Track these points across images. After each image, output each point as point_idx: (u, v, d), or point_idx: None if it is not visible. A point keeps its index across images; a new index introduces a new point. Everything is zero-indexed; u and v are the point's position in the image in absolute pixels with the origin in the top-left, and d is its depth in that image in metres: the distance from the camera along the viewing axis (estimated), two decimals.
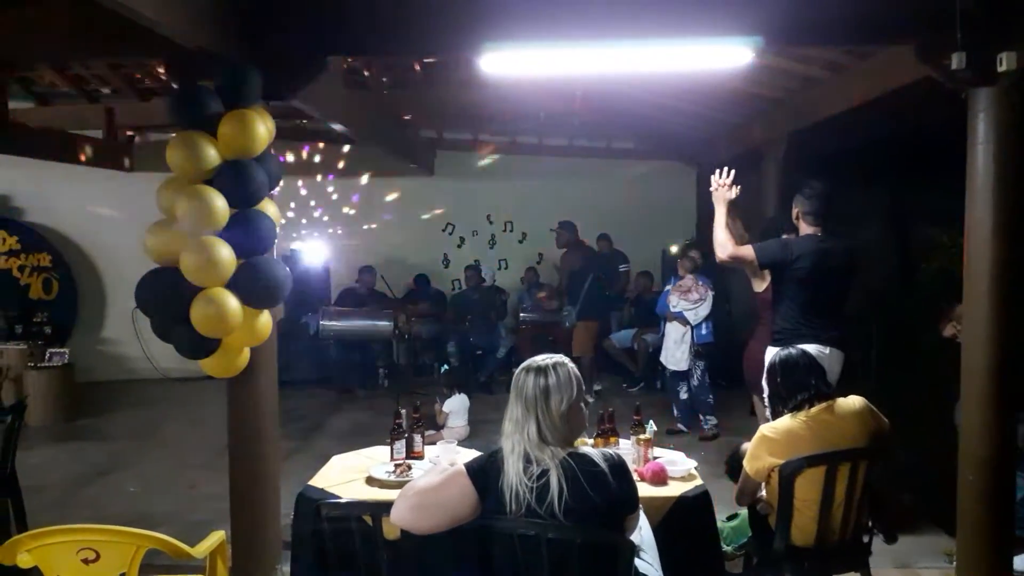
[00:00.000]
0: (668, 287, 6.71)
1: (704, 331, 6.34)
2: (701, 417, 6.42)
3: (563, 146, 9.76)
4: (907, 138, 6.52)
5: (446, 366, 6.38)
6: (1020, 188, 3.45)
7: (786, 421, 2.84)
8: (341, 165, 9.26)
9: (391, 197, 9.70)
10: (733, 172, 4.15)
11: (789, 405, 2.88)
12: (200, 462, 5.79)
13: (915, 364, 6.50)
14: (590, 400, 2.81)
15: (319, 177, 9.38)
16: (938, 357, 4.80)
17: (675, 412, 6.59)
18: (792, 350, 3.06)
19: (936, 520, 4.33)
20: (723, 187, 4.12)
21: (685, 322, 6.34)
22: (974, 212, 3.52)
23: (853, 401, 2.94)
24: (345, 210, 9.63)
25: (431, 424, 6.01)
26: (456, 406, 6.29)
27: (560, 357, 2.25)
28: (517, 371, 2.24)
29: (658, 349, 8.15)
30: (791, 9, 3.39)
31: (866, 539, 2.95)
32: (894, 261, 8.18)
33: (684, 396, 6.50)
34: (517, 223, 10.01)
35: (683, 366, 6.38)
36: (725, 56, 3.63)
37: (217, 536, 2.66)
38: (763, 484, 2.93)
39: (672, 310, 6.41)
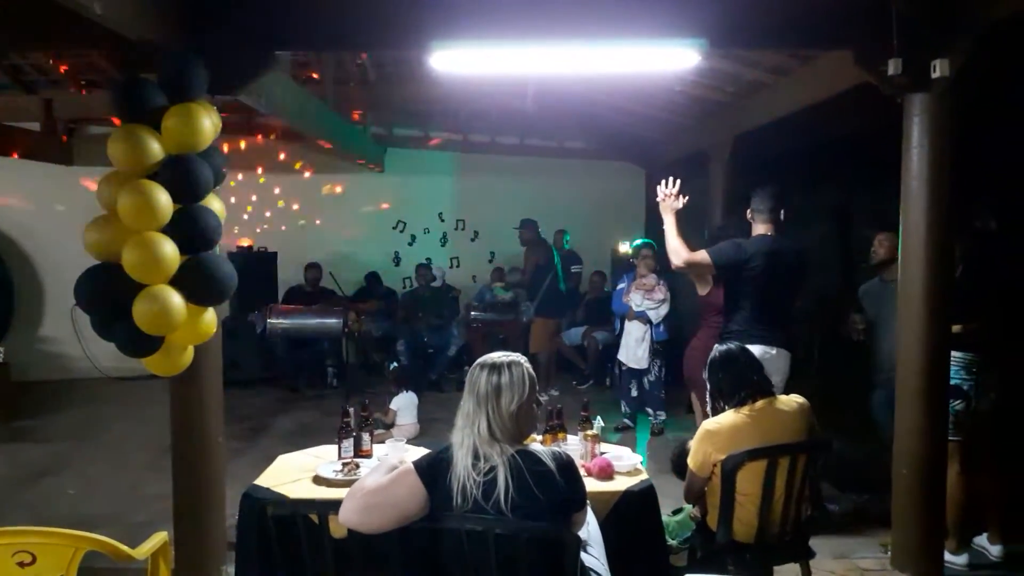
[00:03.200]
0: (621, 285, 6.77)
1: (662, 329, 6.47)
2: (651, 412, 6.52)
3: (515, 144, 9.78)
4: (850, 142, 6.71)
5: (395, 364, 6.34)
6: (952, 190, 3.58)
7: (729, 416, 2.90)
8: (288, 161, 9.14)
9: (340, 194, 9.62)
10: (679, 182, 4.20)
11: (732, 401, 2.95)
12: (143, 462, 5.66)
13: (856, 363, 6.71)
14: (544, 399, 2.82)
15: (266, 173, 9.25)
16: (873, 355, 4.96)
17: (624, 408, 6.68)
18: (732, 346, 3.13)
19: (872, 513, 4.47)
20: (670, 197, 4.17)
21: (646, 321, 6.44)
22: (909, 213, 3.65)
23: (793, 398, 3.03)
24: (293, 207, 9.52)
25: (380, 423, 5.98)
26: (404, 403, 6.27)
27: (516, 356, 2.27)
28: (472, 367, 2.26)
29: (608, 347, 8.29)
30: (734, 13, 3.47)
31: (805, 533, 3.03)
32: (837, 262, 8.42)
33: (635, 393, 6.59)
34: (469, 221, 10.01)
35: (644, 364, 6.47)
36: (671, 58, 3.69)
37: (159, 537, 2.62)
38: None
39: (635, 308, 6.49)
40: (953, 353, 3.82)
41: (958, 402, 3.89)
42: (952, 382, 3.83)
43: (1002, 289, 4.07)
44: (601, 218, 9.51)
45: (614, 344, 8.02)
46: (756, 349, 3.97)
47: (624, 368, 6.63)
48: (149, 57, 3.28)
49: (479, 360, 2.26)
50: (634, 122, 8.25)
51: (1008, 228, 4.81)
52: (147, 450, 5.87)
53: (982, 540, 4.12)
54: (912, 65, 3.44)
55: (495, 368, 2.20)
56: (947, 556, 3.89)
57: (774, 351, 4.05)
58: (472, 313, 8.73)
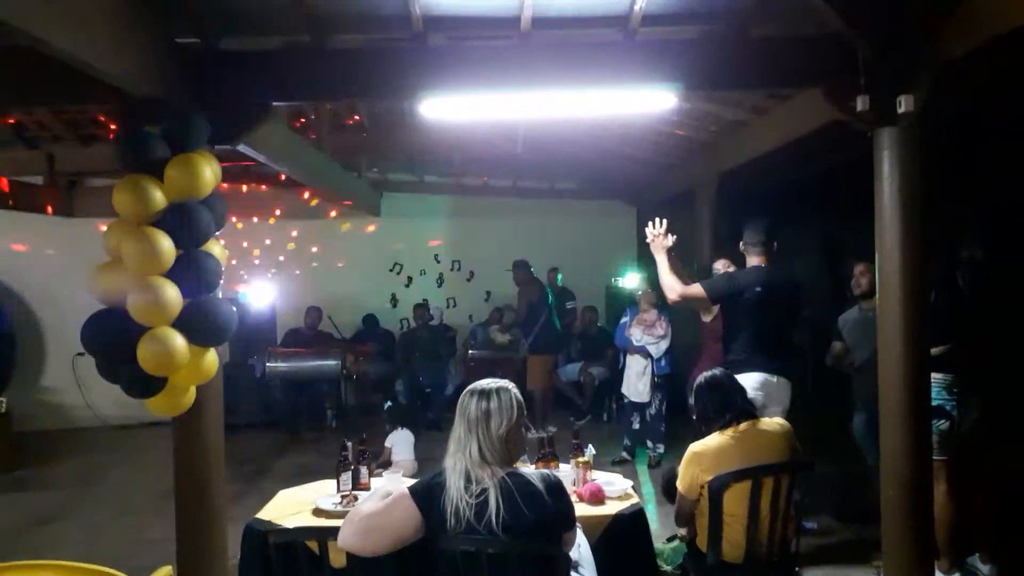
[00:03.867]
0: (624, 320, 6.90)
1: (663, 363, 6.58)
2: (650, 444, 6.59)
3: (508, 187, 10.00)
4: (831, 176, 6.90)
5: (390, 403, 6.42)
6: (923, 218, 3.72)
7: (715, 438, 3.01)
8: (287, 208, 9.32)
9: (337, 238, 9.79)
10: (666, 222, 4.37)
11: (717, 424, 3.05)
12: (144, 507, 5.71)
13: (847, 391, 6.80)
14: (542, 435, 2.94)
15: (265, 219, 9.42)
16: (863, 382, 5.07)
17: (626, 442, 6.75)
18: (717, 371, 3.25)
19: (867, 536, 4.53)
20: (659, 237, 4.34)
21: (647, 355, 6.55)
22: (883, 243, 3.78)
23: (776, 420, 3.14)
24: (291, 251, 9.68)
25: (381, 463, 6.03)
26: (399, 439, 6.32)
27: (504, 382, 2.38)
28: (463, 394, 2.37)
29: (604, 382, 8.38)
30: (707, 56, 3.65)
31: (793, 549, 3.11)
32: (825, 294, 8.55)
33: (637, 427, 6.67)
34: (464, 262, 10.17)
35: (645, 397, 6.57)
36: (650, 101, 3.87)
37: (165, 571, 2.69)
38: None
39: (635, 343, 6.61)
40: (935, 375, 3.93)
41: (942, 422, 3.99)
42: (935, 403, 3.94)
43: (983, 313, 4.21)
44: (594, 255, 9.67)
45: (610, 379, 8.14)
46: (758, 377, 4.12)
47: (626, 401, 6.72)
48: (152, 111, 3.45)
49: (469, 387, 2.38)
50: (623, 163, 8.46)
51: (994, 256, 4.98)
52: (149, 495, 5.92)
53: (975, 560, 4.18)
54: (879, 101, 3.60)
55: (484, 394, 2.31)
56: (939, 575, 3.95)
57: (775, 379, 4.19)
58: (470, 352, 8.84)
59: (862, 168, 3.97)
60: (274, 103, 3.86)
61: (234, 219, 9.07)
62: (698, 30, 3.79)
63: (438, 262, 10.17)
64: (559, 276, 8.93)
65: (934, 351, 3.87)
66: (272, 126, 4.47)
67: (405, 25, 3.62)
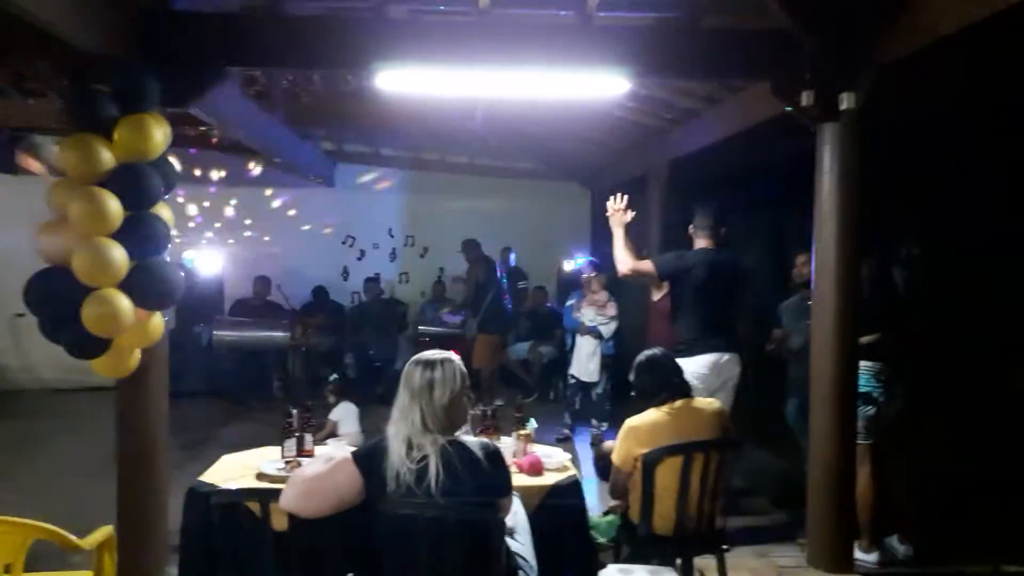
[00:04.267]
0: (570, 302, 7.02)
1: (610, 344, 6.74)
2: (595, 423, 6.74)
3: (465, 164, 9.99)
4: (779, 167, 7.08)
5: (334, 376, 6.40)
6: (861, 212, 3.89)
7: (650, 413, 3.13)
8: (238, 175, 9.19)
9: (289, 209, 9.69)
10: (627, 197, 4.49)
11: (654, 401, 3.17)
12: (85, 471, 5.64)
13: (784, 378, 7.05)
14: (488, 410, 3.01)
15: (215, 187, 9.28)
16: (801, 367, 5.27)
17: (566, 419, 6.89)
18: (657, 351, 3.36)
19: (795, 515, 4.73)
20: (619, 211, 4.46)
21: (598, 335, 6.67)
22: (821, 234, 3.95)
23: (709, 400, 3.27)
24: (241, 220, 9.55)
25: (324, 436, 6.04)
26: (344, 413, 6.31)
27: (448, 354, 2.45)
28: (408, 363, 2.42)
29: (552, 361, 8.51)
30: (661, 45, 3.75)
31: (720, 525, 3.25)
32: (769, 281, 8.79)
33: (579, 406, 6.82)
34: (419, 237, 10.16)
35: (595, 377, 6.71)
36: (605, 85, 3.94)
37: (106, 530, 2.71)
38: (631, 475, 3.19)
39: (588, 323, 6.73)
40: (865, 363, 4.12)
41: (869, 408, 4.17)
42: (864, 390, 4.13)
43: (914, 307, 4.43)
44: (548, 236, 9.75)
45: (558, 359, 8.27)
46: (710, 357, 4.29)
47: (573, 381, 6.85)
48: (102, 69, 3.39)
49: (414, 357, 2.44)
50: (579, 145, 8.53)
51: (930, 254, 5.23)
52: (90, 460, 5.83)
53: (893, 540, 4.39)
54: (823, 97, 3.75)
55: (429, 364, 2.37)
56: (859, 554, 4.15)
57: (726, 356, 4.37)
58: (420, 327, 8.88)
59: (808, 161, 4.12)
60: (228, 67, 3.83)
61: (186, 183, 8.92)
62: (653, 18, 3.87)
63: (392, 236, 10.15)
64: (512, 255, 8.99)
65: (864, 339, 4.05)
66: (225, 90, 4.43)
67: None
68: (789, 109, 3.90)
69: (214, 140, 8.40)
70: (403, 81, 3.86)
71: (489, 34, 3.76)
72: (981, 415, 6.32)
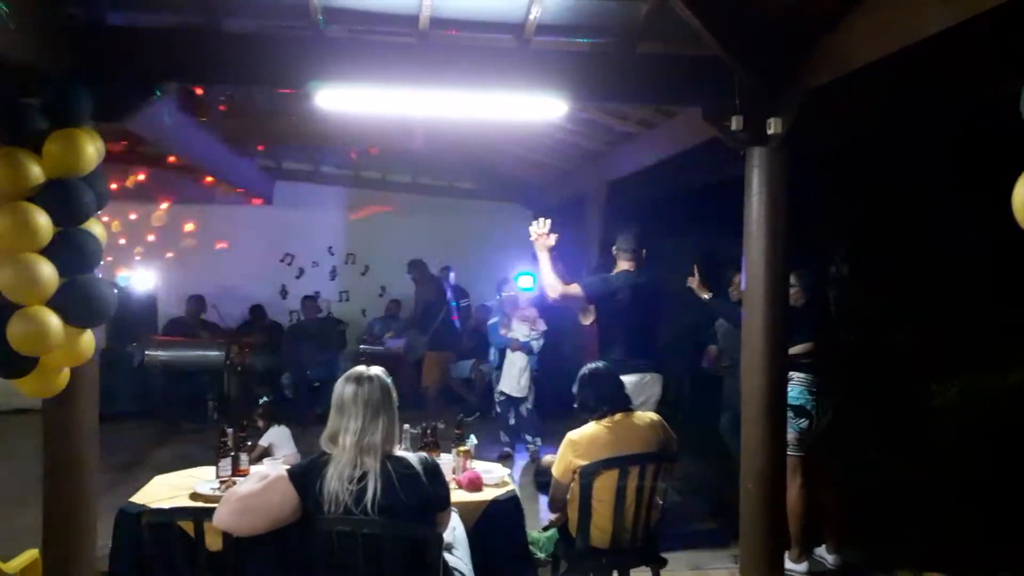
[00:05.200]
0: (493, 320, 7.19)
1: (536, 359, 6.80)
2: (529, 438, 6.78)
3: (407, 182, 10.00)
4: (713, 190, 7.29)
5: (265, 399, 6.29)
6: (786, 232, 4.04)
7: (590, 426, 3.19)
8: (173, 191, 9.02)
9: (226, 226, 9.53)
10: (549, 221, 4.56)
11: (595, 414, 3.23)
12: (8, 496, 5.42)
13: (719, 393, 7.23)
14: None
15: (150, 203, 9.08)
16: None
17: (503, 438, 6.92)
18: (599, 365, 3.43)
19: (727, 525, 4.84)
20: (542, 236, 4.52)
21: (528, 351, 6.75)
22: (750, 254, 4.07)
23: (648, 414, 3.36)
24: (177, 237, 9.36)
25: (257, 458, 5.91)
26: (278, 437, 6.18)
27: (378, 369, 2.46)
28: (338, 382, 2.43)
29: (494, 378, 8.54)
30: (596, 69, 3.85)
31: (655, 538, 3.32)
32: (701, 300, 8.99)
33: (513, 421, 6.85)
34: (360, 256, 10.10)
35: (524, 392, 6.78)
36: (543, 108, 4.03)
37: (31, 554, 2.63)
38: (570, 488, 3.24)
39: (521, 340, 6.81)
40: (798, 374, 4.28)
41: (802, 420, 4.32)
42: (797, 402, 4.28)
43: (843, 322, 4.61)
44: (490, 256, 9.77)
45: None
46: (633, 378, 4.36)
47: (504, 397, 6.89)
48: (30, 82, 3.32)
49: (343, 376, 2.44)
50: (520, 166, 8.64)
51: (857, 273, 5.47)
52: (14, 484, 5.62)
53: (821, 550, 4.53)
54: (751, 122, 3.89)
55: (360, 380, 2.38)
56: (789, 564, 4.27)
57: (648, 376, 4.45)
58: (360, 346, 8.80)
59: (739, 184, 4.27)
60: (164, 82, 3.78)
61: (118, 200, 8.71)
62: (589, 43, 3.97)
63: (331, 254, 10.07)
64: (451, 274, 9.02)
65: (794, 349, 4.21)
66: (161, 106, 4.37)
67: (303, 14, 3.63)
68: (719, 134, 4.04)
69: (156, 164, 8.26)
70: (342, 99, 3.87)
71: (429, 55, 3.80)
72: (905, 428, 6.60)
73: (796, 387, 4.28)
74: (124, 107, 3.70)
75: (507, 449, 6.88)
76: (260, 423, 6.04)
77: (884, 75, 3.56)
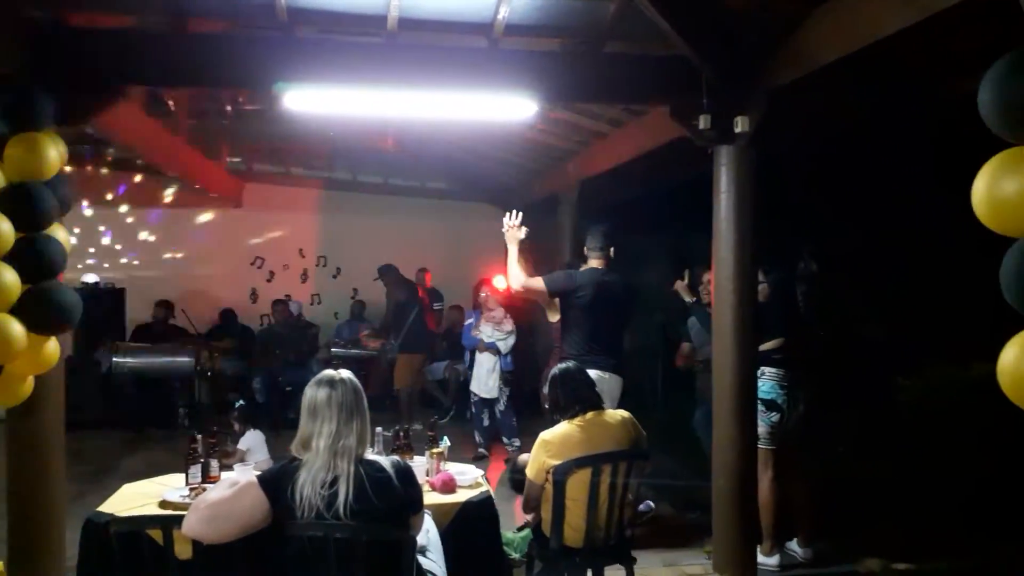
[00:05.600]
0: (469, 321, 7.13)
1: (508, 360, 6.80)
2: (505, 440, 6.78)
3: (378, 183, 9.95)
4: (684, 188, 7.35)
5: (240, 402, 6.22)
6: (754, 229, 4.08)
7: (562, 426, 3.20)
8: (142, 195, 8.90)
9: (195, 229, 9.43)
10: (521, 214, 4.57)
11: (567, 414, 3.23)
12: None
13: (691, 387, 7.28)
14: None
15: (118, 207, 8.95)
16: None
17: (477, 438, 6.92)
18: (570, 364, 3.44)
19: (703, 526, 4.87)
20: (513, 228, 4.54)
21: (496, 352, 6.75)
22: (719, 251, 4.12)
23: (619, 412, 3.37)
24: (144, 241, 9.24)
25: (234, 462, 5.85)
26: (253, 442, 6.13)
27: (346, 373, 2.44)
28: (309, 386, 2.40)
29: (468, 380, 8.53)
30: (565, 69, 3.86)
31: (628, 535, 3.33)
32: (675, 299, 9.06)
33: (487, 423, 6.85)
34: (331, 258, 10.03)
35: (494, 393, 6.77)
36: (513, 108, 4.03)
37: None
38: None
39: (486, 340, 6.81)
40: (770, 369, 4.32)
41: (774, 414, 4.36)
42: (768, 396, 4.32)
43: (813, 317, 4.67)
44: (462, 257, 9.77)
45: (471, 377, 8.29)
46: (592, 374, 4.35)
47: (476, 399, 6.89)
48: None
49: (312, 380, 2.42)
50: (492, 166, 8.64)
51: (826, 272, 5.54)
52: None
53: (793, 544, 4.59)
54: (718, 121, 3.94)
55: (328, 384, 2.37)
56: (760, 558, 4.31)
57: (607, 375, 4.44)
58: (332, 350, 8.74)
59: (709, 182, 4.31)
60: (127, 85, 3.73)
61: (84, 203, 8.61)
62: (558, 43, 3.99)
63: (303, 257, 9.99)
64: (427, 277, 8.99)
65: (765, 345, 4.26)
66: (125, 109, 4.31)
67: (270, 15, 3.61)
68: (687, 132, 4.08)
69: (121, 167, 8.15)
70: (311, 101, 3.85)
71: (398, 56, 3.79)
72: (873, 421, 6.70)
73: (768, 382, 4.33)
74: (87, 110, 3.65)
75: (482, 450, 6.87)
76: (237, 427, 5.99)
77: (849, 73, 3.62)
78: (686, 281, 5.06)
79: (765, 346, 4.31)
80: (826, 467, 5.23)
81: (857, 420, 6.55)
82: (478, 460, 6.66)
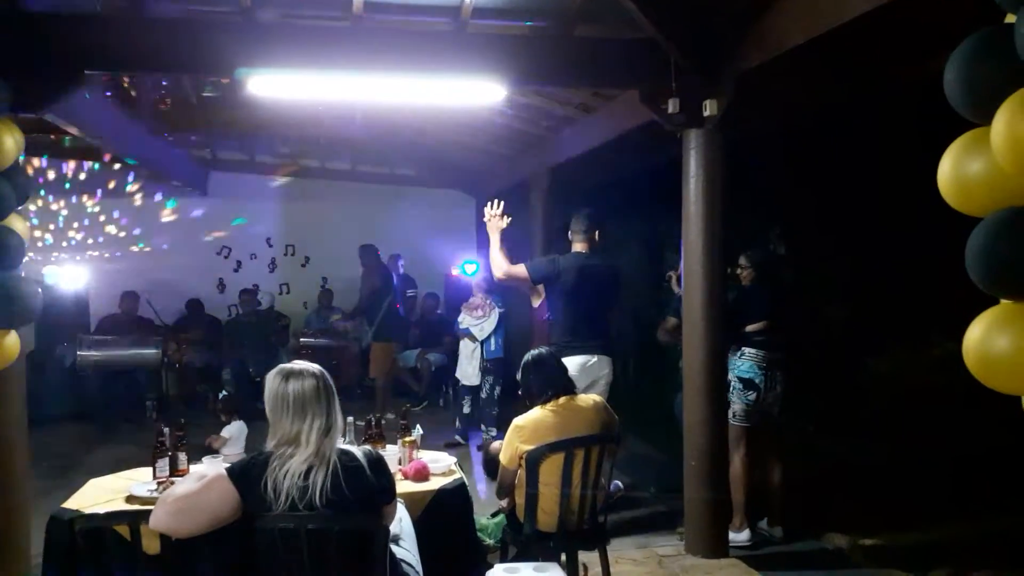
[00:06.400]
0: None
1: (493, 347, 6.72)
2: (483, 427, 6.76)
3: (346, 170, 9.84)
4: (654, 174, 7.37)
5: (224, 392, 6.17)
6: (723, 213, 4.11)
7: (536, 411, 3.20)
8: (104, 184, 8.71)
9: (159, 218, 9.27)
10: (503, 203, 4.56)
11: (539, 400, 3.23)
12: None
13: (664, 372, 7.34)
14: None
15: (80, 197, 8.76)
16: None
17: (457, 425, 6.90)
18: (543, 350, 3.44)
19: (674, 505, 4.92)
20: (495, 217, 4.53)
21: (474, 338, 6.70)
22: (688, 235, 4.14)
23: (591, 396, 3.38)
24: (108, 231, 9.05)
25: (205, 451, 5.78)
26: (235, 432, 6.08)
27: (309, 364, 2.41)
28: (271, 378, 2.36)
29: (440, 368, 8.51)
30: (534, 53, 3.83)
31: (601, 519, 3.34)
32: (648, 283, 9.12)
33: (467, 410, 6.83)
34: (299, 247, 9.93)
35: (475, 380, 6.73)
36: (482, 92, 4.00)
37: None
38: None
39: (461, 327, 6.79)
40: (749, 351, 4.37)
41: (751, 393, 4.40)
42: (747, 376, 4.38)
43: (787, 298, 4.72)
44: (434, 244, 9.71)
45: (447, 366, 8.27)
46: (579, 359, 4.39)
47: (460, 385, 6.88)
48: None
49: (275, 371, 2.38)
50: (461, 152, 8.58)
51: (795, 251, 5.59)
52: None
53: (763, 522, 4.64)
54: (687, 105, 3.94)
55: (293, 375, 2.33)
56: (732, 535, 4.36)
57: (595, 359, 4.47)
58: (302, 339, 8.66)
59: (678, 167, 4.32)
60: (87, 71, 3.63)
61: (43, 193, 8.40)
62: (527, 27, 3.95)
63: (270, 246, 9.87)
64: (400, 263, 8.93)
65: (750, 328, 4.32)
66: (84, 95, 4.21)
67: None
68: (656, 116, 4.07)
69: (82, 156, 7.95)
70: (276, 86, 3.78)
71: (363, 39, 3.74)
72: (840, 401, 6.81)
73: (747, 362, 4.39)
74: (44, 97, 3.55)
75: (457, 437, 6.84)
76: (223, 417, 5.93)
77: (817, 56, 3.63)
78: (678, 273, 5.08)
79: (749, 328, 4.38)
80: (796, 446, 5.29)
81: (825, 400, 6.65)
82: (451, 447, 6.65)
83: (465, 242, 9.90)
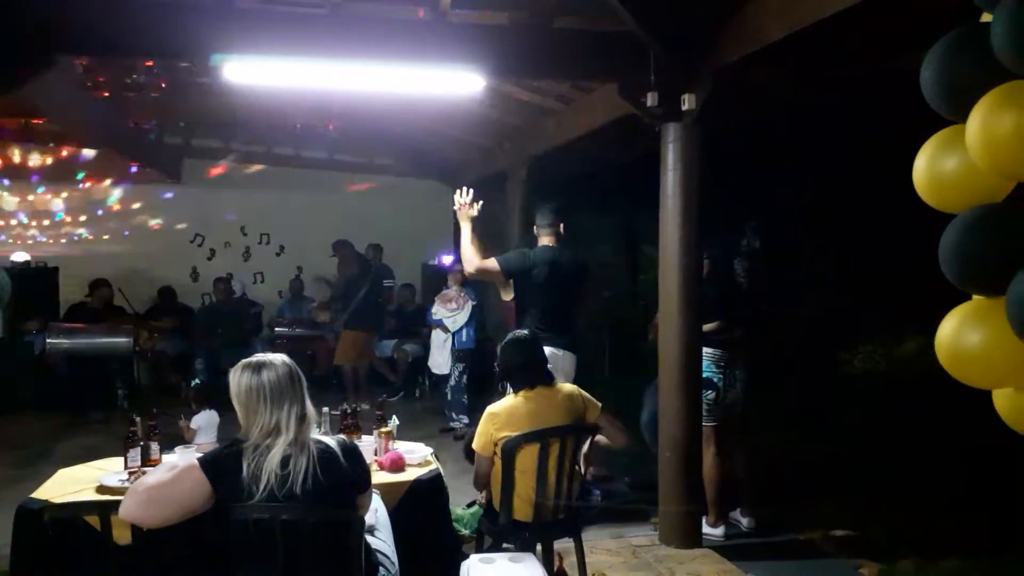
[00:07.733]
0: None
1: (465, 338, 6.80)
2: (454, 415, 6.77)
3: (323, 159, 9.75)
4: (630, 166, 7.39)
5: (196, 381, 6.10)
6: (701, 207, 4.12)
7: (509, 399, 3.18)
8: (76, 171, 8.57)
9: (132, 205, 9.13)
10: (472, 191, 4.49)
11: (515, 386, 3.22)
12: None
13: (638, 363, 7.38)
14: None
15: (52, 183, 8.60)
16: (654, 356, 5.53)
17: (446, 413, 6.92)
18: (520, 333, 3.41)
19: (650, 498, 4.95)
20: (465, 206, 4.45)
21: (446, 329, 6.76)
22: (666, 228, 4.15)
23: (567, 385, 3.37)
24: (80, 218, 8.90)
25: (178, 441, 5.73)
26: (204, 422, 6.02)
27: (275, 355, 2.39)
28: (235, 372, 2.33)
29: (417, 359, 8.49)
30: (513, 44, 3.82)
31: (577, 507, 3.35)
32: (623, 275, 9.17)
33: (450, 397, 6.89)
34: (274, 235, 9.83)
35: (444, 370, 6.82)
36: (461, 82, 3.97)
37: None
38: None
39: (434, 318, 6.83)
40: (706, 350, 4.37)
41: (709, 392, 4.43)
42: (705, 375, 4.38)
43: (752, 297, 4.74)
44: (411, 234, 9.66)
45: (424, 357, 8.26)
46: (546, 351, 4.36)
47: (434, 376, 6.93)
48: None
49: (242, 366, 2.35)
50: (439, 142, 8.54)
51: (768, 248, 5.63)
52: None
53: (736, 514, 4.69)
54: (666, 98, 3.95)
55: (259, 367, 2.31)
56: (707, 529, 4.41)
57: (560, 352, 4.43)
58: (276, 329, 8.59)
59: (657, 160, 4.32)
60: (55, 55, 3.56)
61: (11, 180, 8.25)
62: (506, 17, 3.93)
63: (244, 235, 9.76)
64: (380, 254, 8.89)
65: (705, 327, 4.31)
66: (54, 79, 4.12)
67: None
68: (635, 109, 4.08)
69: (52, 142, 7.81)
70: (252, 73, 3.72)
71: (342, 28, 3.69)
72: (812, 394, 6.89)
73: (704, 361, 4.38)
74: (12, 79, 3.48)
75: (452, 424, 6.84)
76: (195, 406, 5.88)
77: (795, 51, 3.65)
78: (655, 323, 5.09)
79: (705, 328, 4.33)
80: (767, 440, 5.35)
81: (797, 393, 6.73)
82: (447, 432, 6.65)
83: (442, 233, 9.87)
